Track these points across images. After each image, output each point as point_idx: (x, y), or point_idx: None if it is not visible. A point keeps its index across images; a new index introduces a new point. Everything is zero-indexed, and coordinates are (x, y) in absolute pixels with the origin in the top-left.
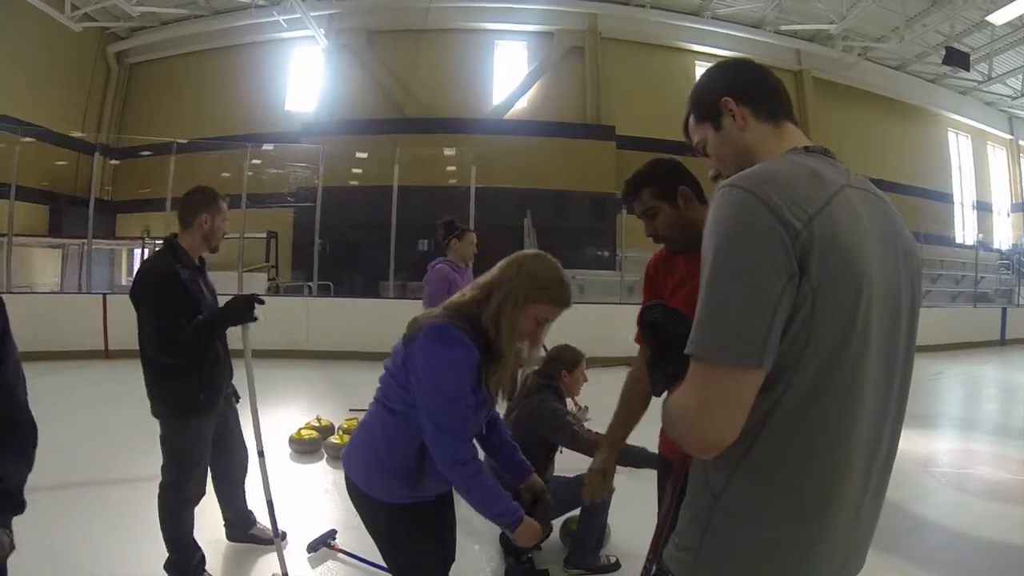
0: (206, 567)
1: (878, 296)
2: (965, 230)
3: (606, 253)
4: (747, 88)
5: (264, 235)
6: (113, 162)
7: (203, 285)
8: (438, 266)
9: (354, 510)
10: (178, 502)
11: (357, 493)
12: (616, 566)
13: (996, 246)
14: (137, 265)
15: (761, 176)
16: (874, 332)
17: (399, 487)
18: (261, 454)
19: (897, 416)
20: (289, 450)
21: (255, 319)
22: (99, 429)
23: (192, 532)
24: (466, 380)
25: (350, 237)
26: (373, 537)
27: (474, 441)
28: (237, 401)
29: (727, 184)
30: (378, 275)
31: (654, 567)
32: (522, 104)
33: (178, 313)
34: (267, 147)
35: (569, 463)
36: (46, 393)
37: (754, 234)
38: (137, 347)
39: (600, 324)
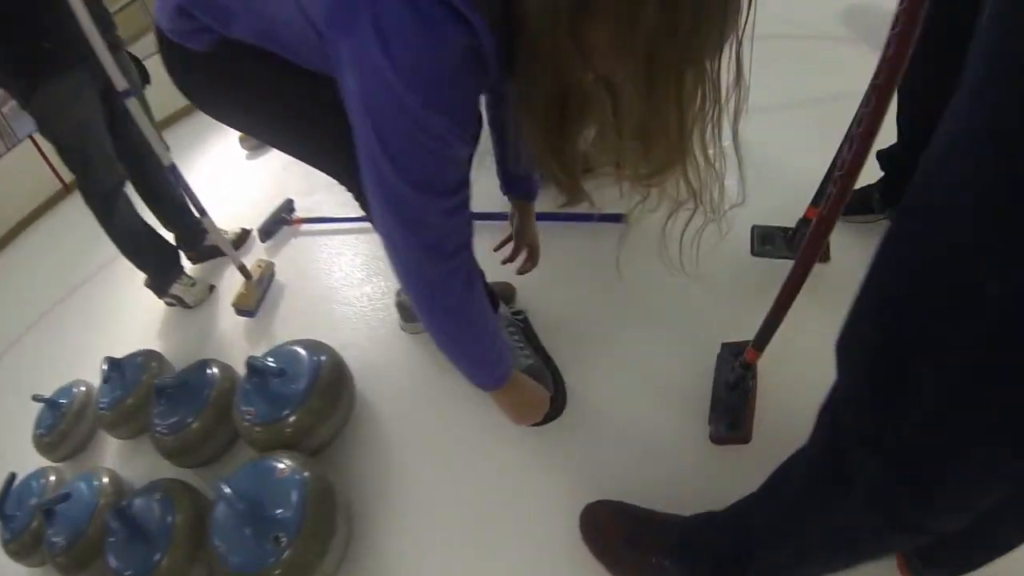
0: (184, 270)
1: None
2: None
3: None
4: None
5: None
6: None
7: None
8: None
9: (316, 172)
10: (98, 197)
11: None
12: None
13: None
14: None
15: None
16: None
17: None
18: (128, 93)
19: None
20: (245, 152)
21: None
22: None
23: (140, 228)
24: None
25: None
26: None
27: None
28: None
29: None
30: None
31: None
32: None
33: None
34: None
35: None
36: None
37: None
38: None
39: None
